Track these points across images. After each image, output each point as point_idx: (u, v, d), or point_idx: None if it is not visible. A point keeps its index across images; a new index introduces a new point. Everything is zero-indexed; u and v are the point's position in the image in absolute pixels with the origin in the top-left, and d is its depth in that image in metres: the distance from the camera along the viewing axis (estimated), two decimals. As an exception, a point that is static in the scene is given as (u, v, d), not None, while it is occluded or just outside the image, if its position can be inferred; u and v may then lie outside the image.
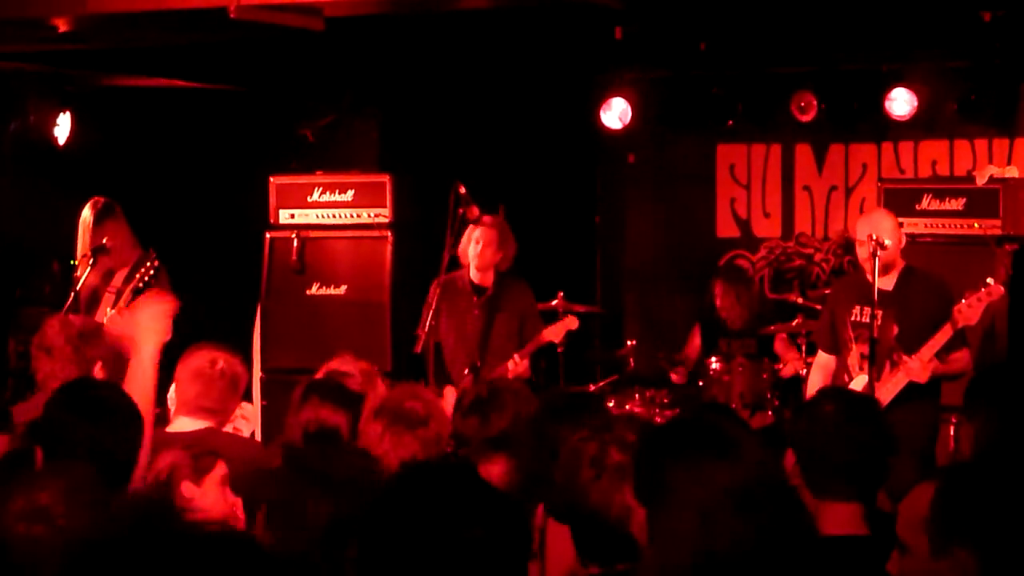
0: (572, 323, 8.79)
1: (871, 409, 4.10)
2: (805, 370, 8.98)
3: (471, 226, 8.47)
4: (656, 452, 3.04)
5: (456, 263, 8.64)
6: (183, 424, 5.60)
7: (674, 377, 9.86)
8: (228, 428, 5.95)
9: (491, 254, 8.58)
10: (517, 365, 8.41)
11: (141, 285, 7.99)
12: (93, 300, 8.17)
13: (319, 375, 5.82)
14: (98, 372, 6.12)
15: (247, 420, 7.87)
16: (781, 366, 9.53)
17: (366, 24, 8.05)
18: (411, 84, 10.36)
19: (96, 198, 8.28)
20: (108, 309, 7.95)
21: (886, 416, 4.12)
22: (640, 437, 3.41)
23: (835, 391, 5.39)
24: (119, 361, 7.09)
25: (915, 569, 3.74)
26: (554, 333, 8.72)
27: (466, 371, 8.45)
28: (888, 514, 4.67)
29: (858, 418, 3.89)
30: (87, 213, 8.22)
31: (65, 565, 2.00)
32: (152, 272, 8.00)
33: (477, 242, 8.53)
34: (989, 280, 7.52)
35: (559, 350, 8.93)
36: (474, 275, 8.64)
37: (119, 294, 7.98)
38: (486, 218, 8.50)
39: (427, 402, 4.82)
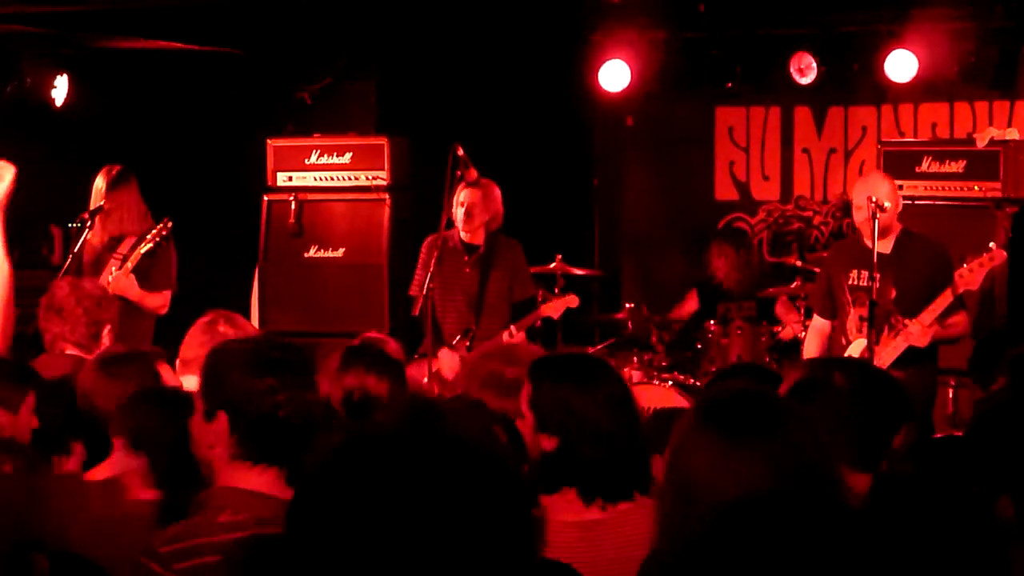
0: (572, 301, 8.78)
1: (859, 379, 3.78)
2: (804, 332, 8.96)
3: (459, 187, 8.43)
4: None
5: (451, 224, 8.62)
6: (193, 383, 5.54)
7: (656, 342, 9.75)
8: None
9: (476, 215, 8.52)
10: (513, 338, 8.36)
11: (151, 246, 7.97)
12: (97, 264, 8.13)
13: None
14: (107, 336, 6.10)
15: None
16: (780, 328, 9.52)
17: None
18: (408, 46, 10.31)
19: (112, 165, 8.24)
20: (114, 269, 7.92)
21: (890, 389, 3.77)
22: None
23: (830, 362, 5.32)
24: (126, 324, 7.10)
25: None
26: (553, 309, 8.71)
27: (458, 336, 8.44)
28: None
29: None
30: (100, 179, 8.18)
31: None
32: (164, 234, 7.97)
33: (462, 204, 8.48)
34: (992, 245, 7.49)
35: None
36: (464, 235, 8.59)
37: (126, 259, 7.94)
38: (471, 178, 8.42)
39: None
